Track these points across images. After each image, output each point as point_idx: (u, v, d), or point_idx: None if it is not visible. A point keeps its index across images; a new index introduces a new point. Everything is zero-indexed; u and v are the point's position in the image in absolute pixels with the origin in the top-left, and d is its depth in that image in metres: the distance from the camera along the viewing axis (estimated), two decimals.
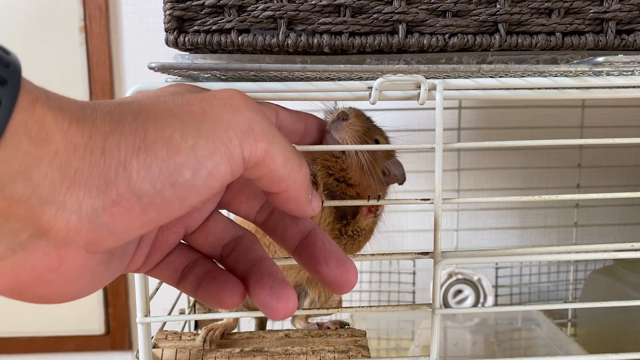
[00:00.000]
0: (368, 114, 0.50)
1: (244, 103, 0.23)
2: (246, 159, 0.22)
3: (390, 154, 0.50)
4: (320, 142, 0.37)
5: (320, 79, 0.38)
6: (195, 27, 0.38)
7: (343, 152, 0.47)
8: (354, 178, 0.47)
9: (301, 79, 0.38)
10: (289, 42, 0.37)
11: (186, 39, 0.38)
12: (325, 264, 0.28)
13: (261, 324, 0.62)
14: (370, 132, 0.48)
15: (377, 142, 0.48)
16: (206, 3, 0.37)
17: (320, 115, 0.50)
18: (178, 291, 0.55)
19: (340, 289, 0.28)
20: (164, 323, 0.51)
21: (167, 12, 0.37)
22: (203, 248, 0.30)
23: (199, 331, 0.50)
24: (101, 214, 0.19)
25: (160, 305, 0.56)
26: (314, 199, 0.28)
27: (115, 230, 0.20)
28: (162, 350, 0.45)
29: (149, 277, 0.33)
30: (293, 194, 0.25)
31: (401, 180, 0.50)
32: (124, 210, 0.19)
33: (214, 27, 0.37)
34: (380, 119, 0.51)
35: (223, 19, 0.37)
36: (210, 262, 0.29)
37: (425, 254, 0.38)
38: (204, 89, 0.29)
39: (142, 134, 0.20)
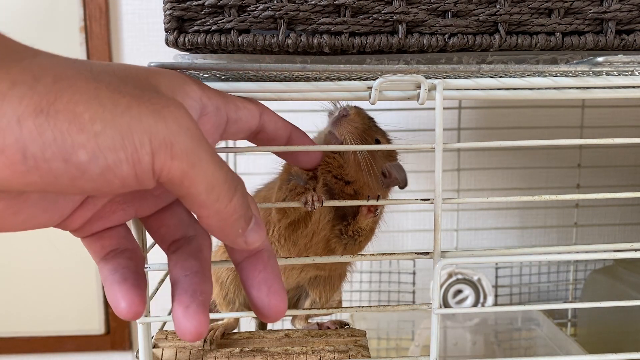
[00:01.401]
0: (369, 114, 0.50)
1: (174, 116, 0.22)
2: (157, 172, 0.21)
3: (391, 156, 0.50)
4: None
5: (320, 79, 0.38)
6: (195, 27, 0.38)
7: None
8: (350, 175, 0.47)
9: (301, 79, 0.38)
10: (289, 42, 0.37)
11: (186, 39, 0.38)
12: (257, 288, 0.27)
13: (262, 324, 0.62)
14: (371, 131, 0.48)
15: (377, 142, 0.49)
16: (206, 3, 0.37)
17: (324, 116, 0.50)
18: None
19: (266, 316, 0.27)
20: (164, 323, 0.51)
21: (167, 12, 0.37)
22: (155, 237, 0.29)
23: None
24: None
25: (160, 305, 0.56)
26: (250, 233, 0.25)
27: None
28: (162, 350, 0.45)
29: (149, 277, 0.33)
30: (215, 223, 0.24)
31: (402, 184, 0.50)
32: (8, 162, 0.19)
33: (214, 27, 0.37)
34: (380, 118, 0.51)
35: (223, 19, 0.37)
36: (135, 261, 0.27)
37: (425, 254, 0.38)
38: (198, 81, 0.29)
39: (51, 99, 0.19)
